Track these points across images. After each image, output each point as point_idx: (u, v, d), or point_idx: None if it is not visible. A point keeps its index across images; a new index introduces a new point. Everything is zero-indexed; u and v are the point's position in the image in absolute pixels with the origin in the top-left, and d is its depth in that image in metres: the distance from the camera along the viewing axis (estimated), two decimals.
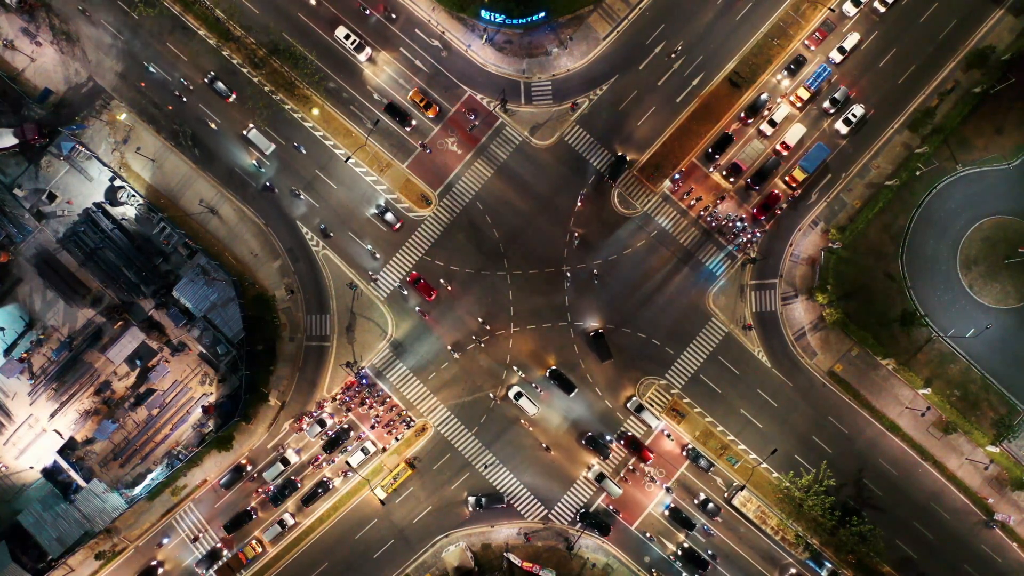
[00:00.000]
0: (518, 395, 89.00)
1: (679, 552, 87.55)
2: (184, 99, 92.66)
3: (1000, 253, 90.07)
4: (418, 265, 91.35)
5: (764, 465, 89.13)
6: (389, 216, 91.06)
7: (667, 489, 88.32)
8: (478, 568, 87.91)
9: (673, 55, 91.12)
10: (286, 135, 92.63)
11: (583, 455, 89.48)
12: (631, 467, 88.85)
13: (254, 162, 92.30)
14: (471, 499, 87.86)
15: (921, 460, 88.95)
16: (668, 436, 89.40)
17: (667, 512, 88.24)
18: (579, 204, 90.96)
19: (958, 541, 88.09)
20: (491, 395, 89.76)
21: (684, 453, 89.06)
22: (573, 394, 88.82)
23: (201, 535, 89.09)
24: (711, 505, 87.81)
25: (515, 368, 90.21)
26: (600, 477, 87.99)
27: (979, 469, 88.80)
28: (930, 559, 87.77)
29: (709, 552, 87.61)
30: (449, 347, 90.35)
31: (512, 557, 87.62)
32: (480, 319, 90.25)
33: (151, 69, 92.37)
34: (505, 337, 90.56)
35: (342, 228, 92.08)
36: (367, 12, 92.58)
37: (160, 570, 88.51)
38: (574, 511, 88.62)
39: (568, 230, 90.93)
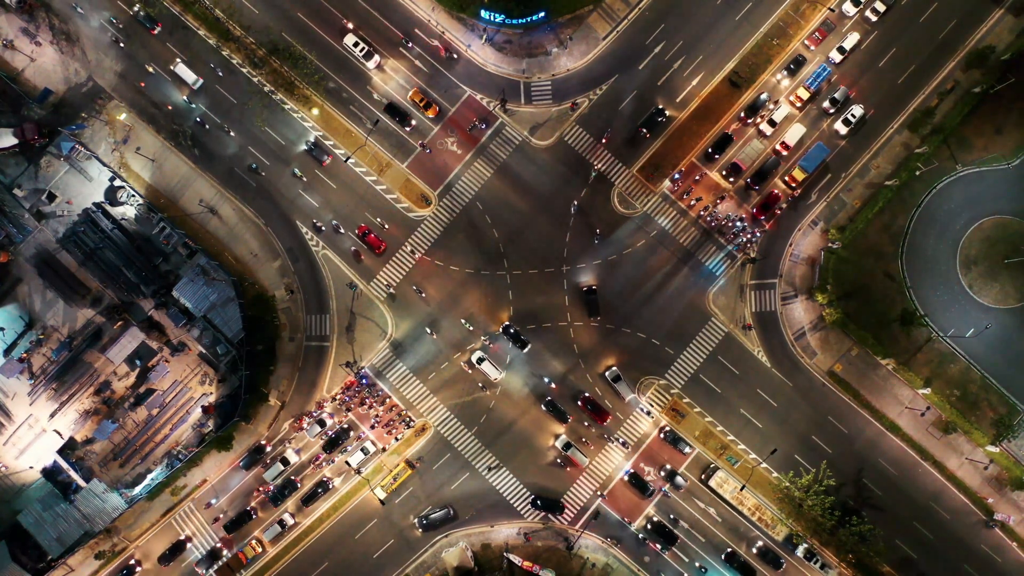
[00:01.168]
0: (480, 359, 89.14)
1: (648, 526, 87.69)
2: (121, 43, 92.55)
3: (1000, 253, 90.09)
4: (417, 266, 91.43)
5: (764, 465, 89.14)
6: (318, 153, 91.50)
7: (623, 443, 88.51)
8: (478, 568, 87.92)
9: None
10: (232, 90, 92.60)
11: (550, 424, 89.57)
12: (588, 426, 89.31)
13: (185, 98, 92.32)
14: (415, 520, 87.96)
15: (921, 460, 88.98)
16: (648, 414, 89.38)
17: (626, 478, 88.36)
18: (605, 139, 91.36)
19: (958, 541, 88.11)
20: (435, 338, 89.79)
21: (661, 435, 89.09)
22: (526, 349, 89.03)
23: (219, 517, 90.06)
24: (678, 478, 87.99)
25: (463, 321, 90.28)
26: (567, 446, 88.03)
27: (979, 469, 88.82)
28: (930, 559, 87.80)
29: (671, 516, 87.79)
30: (440, 340, 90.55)
31: (512, 557, 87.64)
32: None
33: (79, 10, 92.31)
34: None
35: (272, 165, 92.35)
36: (409, 45, 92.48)
37: (188, 544, 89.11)
38: (573, 511, 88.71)
39: (589, 171, 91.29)
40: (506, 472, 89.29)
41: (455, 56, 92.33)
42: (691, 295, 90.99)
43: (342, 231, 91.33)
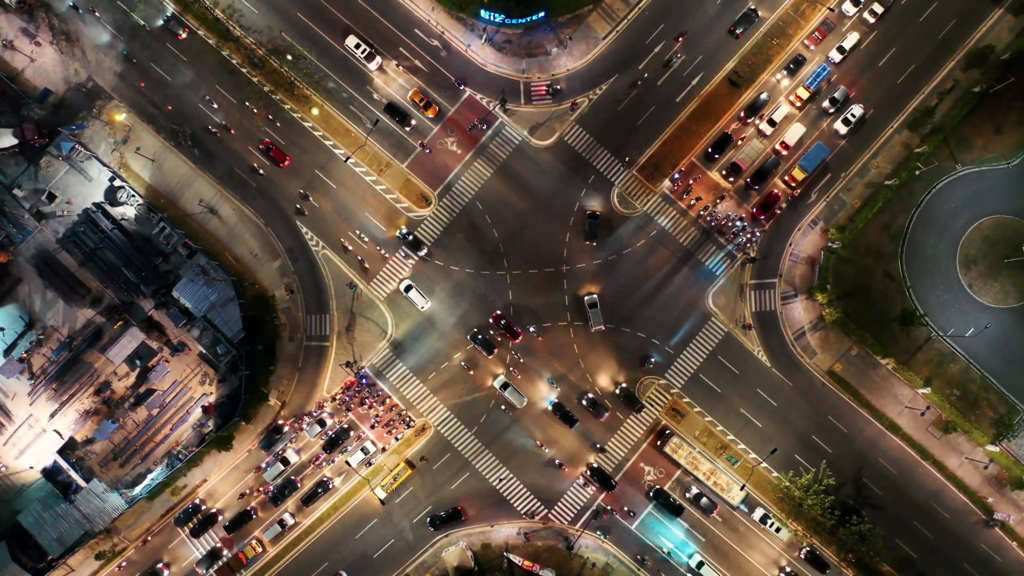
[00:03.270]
0: (408, 288, 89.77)
1: (588, 471, 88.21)
2: None
3: (1000, 252, 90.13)
4: (415, 268, 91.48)
5: (764, 464, 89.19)
6: (175, 26, 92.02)
7: (550, 382, 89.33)
8: (478, 568, 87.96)
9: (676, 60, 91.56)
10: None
11: (489, 365, 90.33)
12: (517, 357, 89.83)
13: None
14: None
15: (921, 459, 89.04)
16: (647, 361, 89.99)
17: (550, 408, 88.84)
18: (682, 38, 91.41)
19: (958, 540, 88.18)
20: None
21: (617, 391, 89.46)
22: (423, 252, 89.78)
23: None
24: (600, 408, 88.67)
25: (358, 232, 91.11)
26: (505, 386, 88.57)
27: (979, 468, 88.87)
28: (930, 558, 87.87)
29: (597, 445, 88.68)
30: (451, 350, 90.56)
31: (512, 557, 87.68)
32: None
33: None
34: (504, 337, 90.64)
35: (142, 53, 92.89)
36: (461, 88, 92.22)
37: (221, 517, 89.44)
38: (573, 511, 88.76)
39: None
40: (506, 471, 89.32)
41: (559, 89, 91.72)
42: (691, 295, 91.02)
43: (218, 113, 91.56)
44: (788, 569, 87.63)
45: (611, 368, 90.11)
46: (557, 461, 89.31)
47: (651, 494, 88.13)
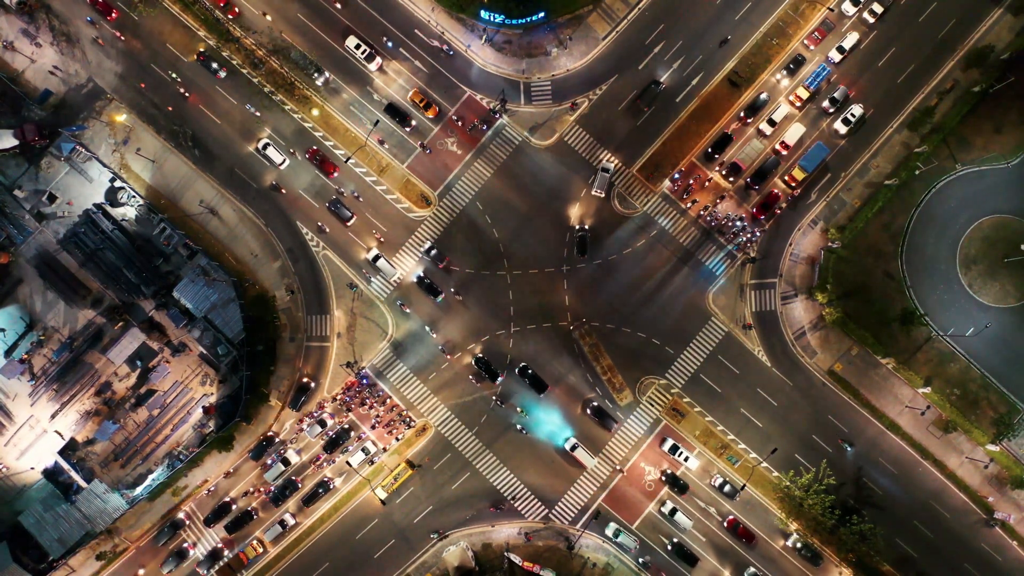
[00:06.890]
0: (265, 145, 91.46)
1: (474, 362, 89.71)
2: None
3: (999, 252, 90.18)
4: (419, 264, 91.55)
5: (764, 464, 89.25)
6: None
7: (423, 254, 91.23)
8: (479, 568, 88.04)
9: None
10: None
11: (364, 237, 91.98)
12: (340, 190, 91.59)
13: None
14: None
15: (921, 459, 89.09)
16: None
17: (416, 281, 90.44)
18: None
19: (958, 540, 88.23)
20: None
21: (571, 238, 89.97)
22: (222, 74, 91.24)
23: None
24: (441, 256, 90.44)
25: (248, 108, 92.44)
26: (376, 258, 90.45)
27: (979, 468, 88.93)
28: (930, 558, 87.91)
29: (458, 297, 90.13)
30: (441, 347, 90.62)
31: (513, 557, 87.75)
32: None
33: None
34: (505, 337, 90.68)
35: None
36: (497, 116, 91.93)
37: (241, 502, 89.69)
38: (574, 511, 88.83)
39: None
40: (506, 471, 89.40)
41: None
42: (691, 295, 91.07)
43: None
44: (670, 471, 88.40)
45: (618, 366, 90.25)
46: (442, 347, 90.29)
47: (517, 371, 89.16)
